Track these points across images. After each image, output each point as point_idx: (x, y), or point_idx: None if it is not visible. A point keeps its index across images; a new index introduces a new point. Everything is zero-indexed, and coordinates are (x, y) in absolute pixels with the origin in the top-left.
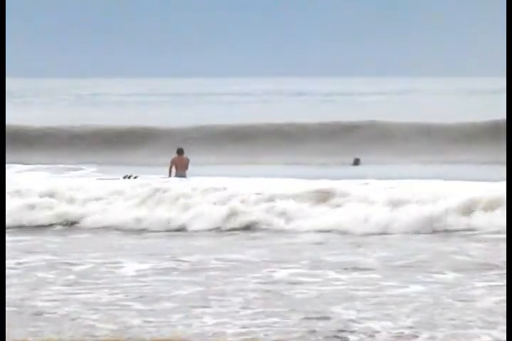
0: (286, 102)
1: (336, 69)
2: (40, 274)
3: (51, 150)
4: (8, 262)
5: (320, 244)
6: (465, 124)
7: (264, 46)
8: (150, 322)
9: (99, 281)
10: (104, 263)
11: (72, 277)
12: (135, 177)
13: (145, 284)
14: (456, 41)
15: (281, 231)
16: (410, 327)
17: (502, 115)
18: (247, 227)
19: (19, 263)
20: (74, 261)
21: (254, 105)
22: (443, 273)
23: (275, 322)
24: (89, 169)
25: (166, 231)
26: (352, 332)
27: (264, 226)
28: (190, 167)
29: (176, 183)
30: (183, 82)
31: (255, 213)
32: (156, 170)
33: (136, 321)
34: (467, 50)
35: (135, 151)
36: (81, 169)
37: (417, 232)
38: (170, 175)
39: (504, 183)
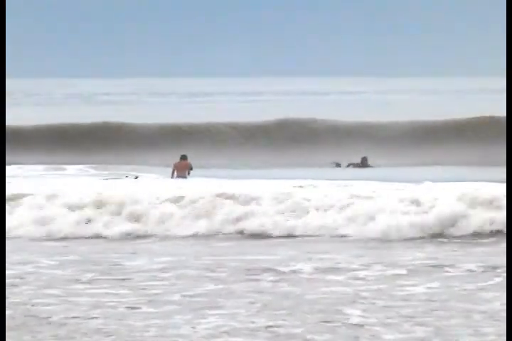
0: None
1: (326, 68)
2: None
3: (42, 149)
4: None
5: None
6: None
7: (252, 46)
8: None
9: None
10: None
11: None
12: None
13: None
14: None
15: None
16: None
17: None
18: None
19: None
20: None
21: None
22: None
23: None
24: (82, 168)
25: None
26: None
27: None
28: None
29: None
30: (172, 82)
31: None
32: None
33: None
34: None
35: (131, 151)
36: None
37: None
38: (172, 177)
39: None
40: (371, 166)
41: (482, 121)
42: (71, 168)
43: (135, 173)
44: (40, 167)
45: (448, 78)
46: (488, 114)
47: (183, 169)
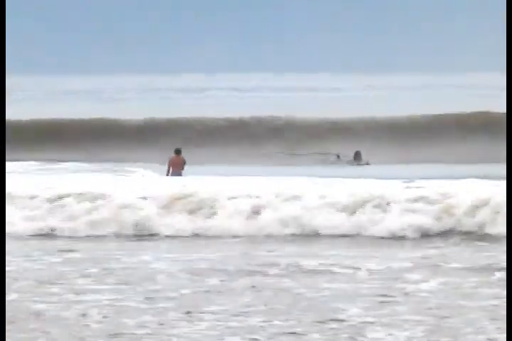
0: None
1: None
2: None
3: (36, 145)
4: None
5: None
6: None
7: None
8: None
9: None
10: None
11: None
12: None
13: None
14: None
15: None
16: None
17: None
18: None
19: None
20: None
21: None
22: None
23: None
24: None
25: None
26: None
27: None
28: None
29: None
30: (171, 79)
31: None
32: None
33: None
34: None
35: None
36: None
37: None
38: (168, 174)
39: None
40: (363, 160)
41: (478, 116)
42: (65, 164)
43: (132, 170)
44: (34, 163)
45: (446, 74)
46: (485, 109)
47: (178, 165)
